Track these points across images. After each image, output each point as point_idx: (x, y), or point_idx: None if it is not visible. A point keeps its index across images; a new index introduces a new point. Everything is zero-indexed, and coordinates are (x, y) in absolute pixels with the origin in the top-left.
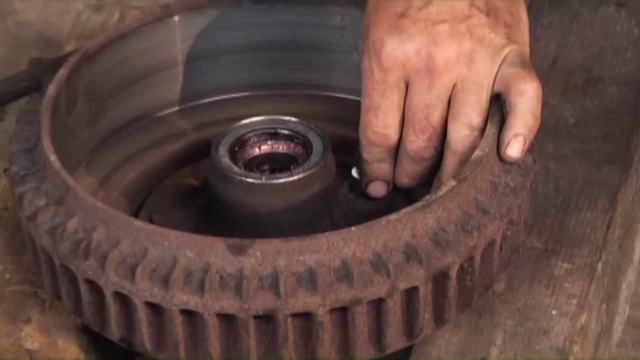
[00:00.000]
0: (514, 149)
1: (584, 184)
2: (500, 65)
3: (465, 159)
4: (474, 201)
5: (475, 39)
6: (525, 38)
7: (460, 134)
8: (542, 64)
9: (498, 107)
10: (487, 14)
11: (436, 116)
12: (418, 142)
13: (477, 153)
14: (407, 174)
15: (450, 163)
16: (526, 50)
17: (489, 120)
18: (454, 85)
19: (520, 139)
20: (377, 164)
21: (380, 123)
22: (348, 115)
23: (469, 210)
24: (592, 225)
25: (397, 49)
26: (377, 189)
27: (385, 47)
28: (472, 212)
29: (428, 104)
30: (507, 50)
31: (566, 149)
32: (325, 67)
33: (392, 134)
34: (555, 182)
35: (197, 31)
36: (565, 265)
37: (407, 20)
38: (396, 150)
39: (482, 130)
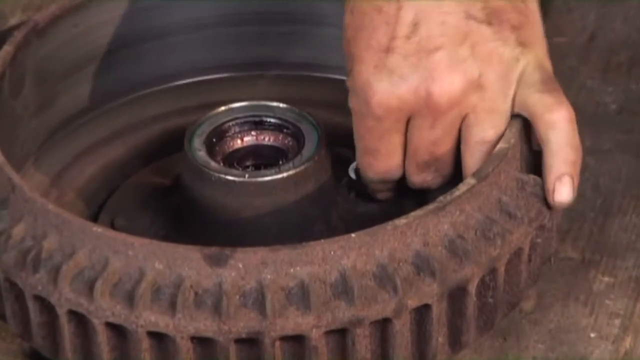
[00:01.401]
0: (563, 193)
1: (629, 182)
2: (517, 85)
3: None
4: (497, 203)
5: (481, 60)
6: (539, 33)
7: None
8: (579, 40)
9: None
10: (489, 23)
11: (443, 149)
12: (422, 175)
13: (500, 145)
14: (415, 187)
15: None
16: (543, 51)
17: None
18: (466, 115)
19: (566, 179)
20: (382, 185)
21: (382, 165)
22: (347, 100)
23: (491, 213)
24: (638, 231)
25: (390, 95)
26: (385, 195)
27: (375, 94)
28: (494, 215)
29: (433, 140)
30: (521, 64)
31: (607, 141)
32: (320, 43)
33: (397, 173)
34: (594, 181)
35: (168, 1)
36: (606, 278)
37: (395, 57)
38: (403, 175)
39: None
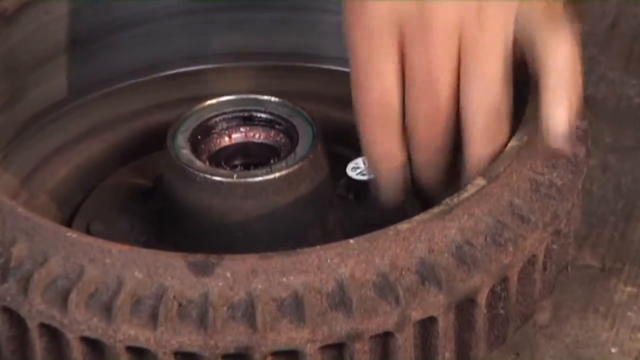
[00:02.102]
0: (558, 115)
1: None
2: (518, 13)
3: (494, 139)
4: (508, 205)
5: None
6: None
7: (480, 94)
8: (599, 27)
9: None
10: None
11: (441, 76)
12: (423, 109)
13: (512, 143)
14: (425, 177)
15: (473, 146)
16: None
17: (528, 100)
18: (463, 48)
19: (563, 101)
20: (390, 174)
21: (375, 92)
22: (345, 93)
23: (502, 217)
24: None
25: (383, 2)
26: (393, 194)
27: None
28: (506, 219)
29: (429, 59)
30: None
31: (630, 138)
32: (313, 30)
33: (395, 103)
34: (615, 181)
35: None
36: (629, 288)
37: None
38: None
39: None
